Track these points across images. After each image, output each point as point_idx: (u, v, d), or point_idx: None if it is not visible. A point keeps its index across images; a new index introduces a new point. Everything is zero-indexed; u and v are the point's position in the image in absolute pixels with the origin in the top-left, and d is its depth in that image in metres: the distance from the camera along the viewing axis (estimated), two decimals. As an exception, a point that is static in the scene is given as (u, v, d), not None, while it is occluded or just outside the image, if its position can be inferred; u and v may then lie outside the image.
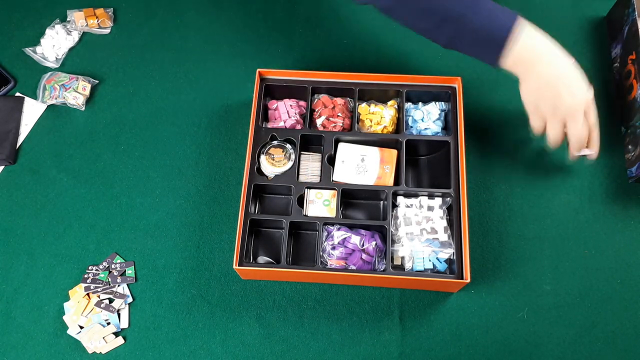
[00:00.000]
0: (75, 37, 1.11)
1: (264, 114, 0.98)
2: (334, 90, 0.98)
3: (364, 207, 0.94)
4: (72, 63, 1.10)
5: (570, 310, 0.88)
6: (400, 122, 0.95)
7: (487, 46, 0.81)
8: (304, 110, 0.98)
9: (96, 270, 0.92)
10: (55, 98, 1.04)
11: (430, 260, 0.85)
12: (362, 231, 0.88)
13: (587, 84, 0.83)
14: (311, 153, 0.94)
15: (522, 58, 0.80)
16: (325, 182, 0.91)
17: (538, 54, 0.80)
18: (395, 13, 0.85)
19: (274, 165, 0.91)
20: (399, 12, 0.84)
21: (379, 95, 0.98)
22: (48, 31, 1.11)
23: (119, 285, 0.91)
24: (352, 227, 0.88)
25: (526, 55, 0.80)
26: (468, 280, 0.81)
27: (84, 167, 1.01)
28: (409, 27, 0.86)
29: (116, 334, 0.88)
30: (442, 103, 0.97)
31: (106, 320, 0.89)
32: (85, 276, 0.92)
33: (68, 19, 1.13)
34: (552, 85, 0.81)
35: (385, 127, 0.95)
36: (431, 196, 0.90)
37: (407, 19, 0.85)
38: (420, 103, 0.98)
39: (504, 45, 0.79)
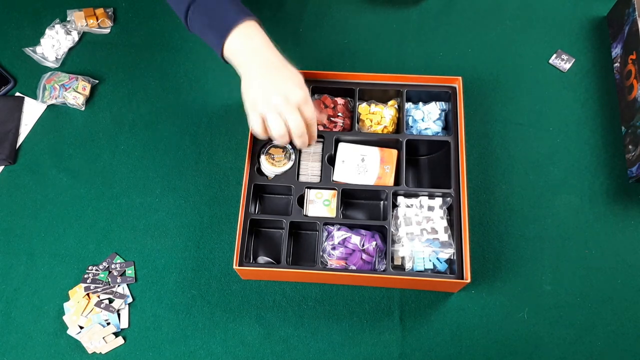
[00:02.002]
0: (75, 37, 1.11)
1: (264, 114, 0.98)
2: (334, 90, 0.98)
3: (364, 207, 0.94)
4: (72, 63, 1.10)
5: (570, 311, 0.88)
6: (400, 122, 0.95)
7: (214, 32, 0.83)
8: (304, 110, 0.97)
9: (96, 270, 0.92)
10: (55, 98, 1.04)
11: (430, 261, 0.85)
12: (363, 231, 0.88)
13: (299, 86, 0.82)
14: (311, 152, 0.94)
15: (236, 54, 0.83)
16: (325, 182, 0.91)
17: (250, 51, 0.82)
18: None
19: (274, 165, 0.91)
20: None
21: (379, 95, 0.98)
22: (48, 31, 1.10)
23: (119, 285, 0.91)
24: (352, 227, 0.88)
25: (238, 50, 0.82)
26: (468, 281, 0.81)
27: (83, 167, 1.01)
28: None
29: (116, 334, 0.88)
30: (443, 103, 0.97)
31: (106, 320, 0.89)
32: (85, 276, 0.92)
33: (68, 19, 1.13)
34: (263, 78, 0.82)
35: (385, 127, 0.95)
36: (431, 196, 0.89)
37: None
38: (420, 103, 0.98)
39: (227, 35, 0.81)
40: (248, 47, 0.83)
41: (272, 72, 0.82)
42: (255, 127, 0.84)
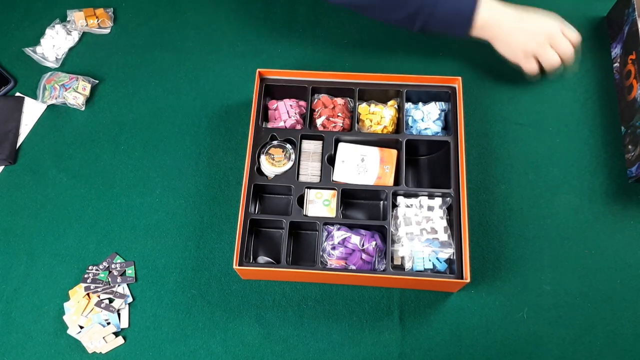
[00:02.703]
0: (75, 37, 1.11)
1: (264, 114, 0.98)
2: (334, 90, 0.98)
3: (364, 207, 0.94)
4: (72, 63, 1.10)
5: (570, 310, 0.88)
6: (400, 122, 0.95)
7: (456, 24, 0.95)
8: (304, 110, 0.98)
9: (96, 270, 0.92)
10: (55, 98, 1.04)
11: (430, 260, 0.85)
12: (362, 231, 0.88)
13: (552, 17, 0.97)
14: (311, 152, 0.93)
15: (488, 24, 0.94)
16: (325, 182, 0.91)
17: (500, 16, 0.95)
18: (367, 10, 0.97)
19: (274, 165, 0.91)
20: (372, 10, 0.96)
21: (379, 95, 0.98)
22: (48, 31, 1.11)
23: (119, 285, 0.91)
24: (352, 227, 0.88)
25: (490, 21, 0.94)
26: (468, 280, 0.81)
27: (84, 167, 1.01)
28: (378, 19, 0.99)
29: (116, 334, 0.88)
30: (442, 103, 0.97)
31: (106, 320, 0.89)
32: (85, 276, 0.92)
33: (68, 19, 1.13)
34: (521, 28, 0.95)
35: (385, 127, 0.95)
36: (431, 196, 0.90)
37: (379, 15, 0.96)
38: (420, 103, 0.98)
39: (471, 21, 0.93)
40: (493, 18, 0.94)
41: (524, 18, 0.95)
42: (532, 68, 0.98)
